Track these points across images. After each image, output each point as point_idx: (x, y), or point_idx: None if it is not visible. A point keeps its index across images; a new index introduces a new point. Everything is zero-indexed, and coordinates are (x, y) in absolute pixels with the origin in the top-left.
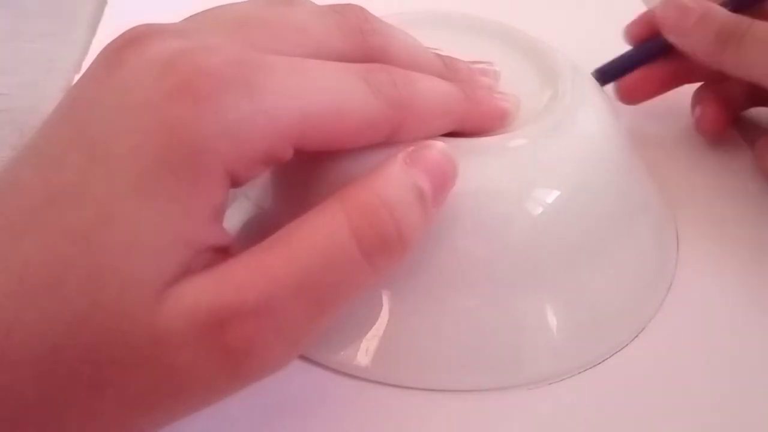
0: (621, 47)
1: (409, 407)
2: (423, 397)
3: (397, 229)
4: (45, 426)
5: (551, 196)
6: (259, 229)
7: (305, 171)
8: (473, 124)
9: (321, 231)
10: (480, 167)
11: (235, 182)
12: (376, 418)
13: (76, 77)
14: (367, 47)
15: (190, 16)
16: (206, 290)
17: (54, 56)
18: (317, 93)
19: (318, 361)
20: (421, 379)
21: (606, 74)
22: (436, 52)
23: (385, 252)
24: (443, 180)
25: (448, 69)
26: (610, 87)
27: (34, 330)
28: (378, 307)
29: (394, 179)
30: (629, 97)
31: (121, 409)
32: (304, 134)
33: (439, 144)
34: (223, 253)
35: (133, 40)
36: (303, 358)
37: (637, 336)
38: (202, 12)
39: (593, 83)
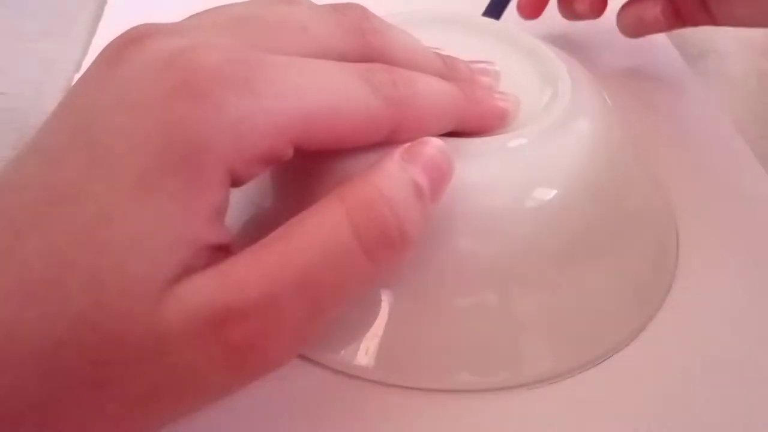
0: (621, 47)
1: (409, 407)
2: (423, 396)
3: (398, 224)
4: (47, 425)
5: (551, 195)
6: (259, 229)
7: (305, 171)
8: (473, 123)
9: (321, 227)
10: (480, 167)
11: (236, 181)
12: (376, 418)
13: (77, 77)
14: (367, 46)
15: (191, 16)
16: (208, 288)
17: (54, 56)
18: (317, 92)
19: (318, 361)
20: (421, 379)
21: (497, 5)
22: (436, 51)
23: (386, 247)
24: (440, 176)
25: (448, 68)
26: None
27: (34, 329)
28: (378, 307)
29: (392, 175)
30: (530, 13)
31: (123, 408)
32: (304, 133)
33: (435, 140)
34: (224, 251)
35: (133, 39)
36: (303, 358)
37: (637, 336)
38: (203, 11)
39: (593, 83)
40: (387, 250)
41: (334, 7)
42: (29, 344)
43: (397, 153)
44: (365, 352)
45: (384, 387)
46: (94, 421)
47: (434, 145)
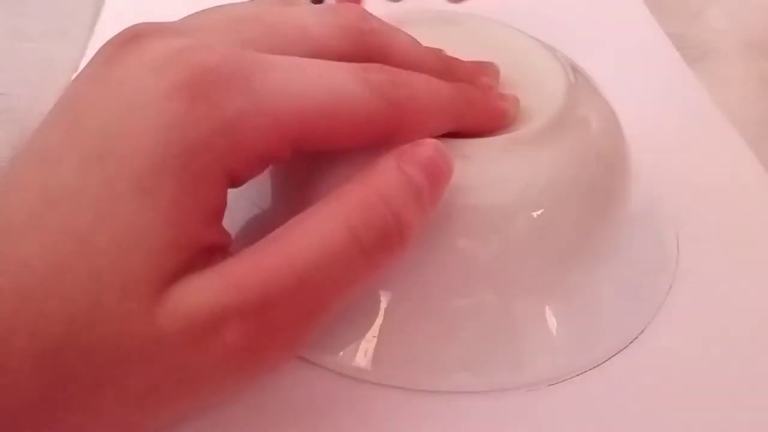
0: (621, 47)
1: (408, 409)
2: (422, 398)
3: (396, 225)
4: (45, 426)
5: (550, 196)
6: (259, 229)
7: (305, 171)
8: (473, 124)
9: (319, 229)
10: (479, 167)
11: (234, 182)
12: (375, 419)
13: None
14: (366, 47)
15: (189, 16)
16: (206, 290)
17: (53, 56)
18: (316, 93)
19: (317, 362)
20: (419, 381)
21: None
22: (436, 52)
23: (384, 248)
24: (439, 176)
25: (447, 69)
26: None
27: (33, 330)
28: (377, 309)
29: (390, 176)
30: None
31: (121, 409)
32: (302, 134)
33: (434, 141)
34: (222, 252)
35: (131, 38)
36: (302, 359)
37: (637, 337)
38: (201, 11)
39: (592, 83)
40: (385, 251)
41: (333, 8)
42: (26, 344)
43: (396, 154)
44: (364, 353)
45: (383, 388)
46: (91, 422)
47: (433, 145)
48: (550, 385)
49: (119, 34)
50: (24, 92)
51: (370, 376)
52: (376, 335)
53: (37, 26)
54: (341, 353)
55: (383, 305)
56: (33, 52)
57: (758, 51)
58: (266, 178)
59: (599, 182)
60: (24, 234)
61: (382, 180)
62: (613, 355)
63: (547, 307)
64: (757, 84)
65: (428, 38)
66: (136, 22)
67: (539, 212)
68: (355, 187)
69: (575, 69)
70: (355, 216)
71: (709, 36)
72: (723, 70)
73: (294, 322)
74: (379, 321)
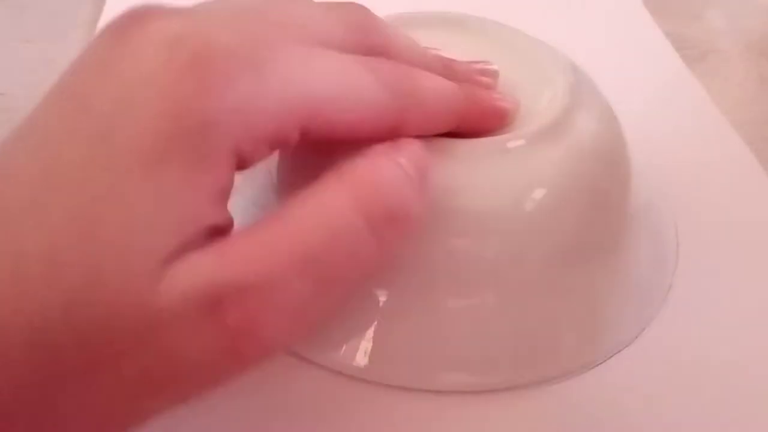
0: (621, 47)
1: (408, 408)
2: (422, 397)
3: (401, 201)
4: (42, 411)
5: (550, 196)
6: None
7: (305, 170)
8: (472, 124)
9: (324, 205)
10: (479, 167)
11: (242, 163)
12: (374, 418)
13: None
14: (369, 44)
15: (193, 6)
16: (204, 267)
17: (53, 56)
18: (326, 77)
19: (317, 361)
20: (420, 380)
21: None
22: (436, 53)
23: (390, 224)
24: (423, 170)
25: (447, 70)
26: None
27: (28, 309)
28: (376, 308)
29: (384, 159)
30: None
31: (119, 393)
32: (311, 117)
33: (415, 140)
34: (224, 234)
35: (137, 18)
36: (302, 358)
37: (638, 336)
38: (205, 2)
39: (592, 83)
40: (391, 227)
41: (337, 5)
42: (19, 323)
43: (382, 146)
44: (364, 352)
45: (382, 387)
46: (90, 406)
47: (414, 142)
48: (551, 384)
49: (122, 15)
50: (24, 92)
51: (369, 375)
52: (376, 334)
53: (37, 26)
54: (341, 352)
55: (383, 304)
56: (33, 52)
57: (758, 51)
58: (267, 178)
59: (599, 182)
60: (24, 214)
61: (378, 164)
62: (613, 355)
63: (547, 307)
64: (757, 84)
65: (428, 38)
66: None
67: (539, 212)
68: (354, 168)
69: (575, 69)
70: (360, 192)
71: (709, 36)
72: (723, 70)
73: (297, 303)
74: (379, 320)
